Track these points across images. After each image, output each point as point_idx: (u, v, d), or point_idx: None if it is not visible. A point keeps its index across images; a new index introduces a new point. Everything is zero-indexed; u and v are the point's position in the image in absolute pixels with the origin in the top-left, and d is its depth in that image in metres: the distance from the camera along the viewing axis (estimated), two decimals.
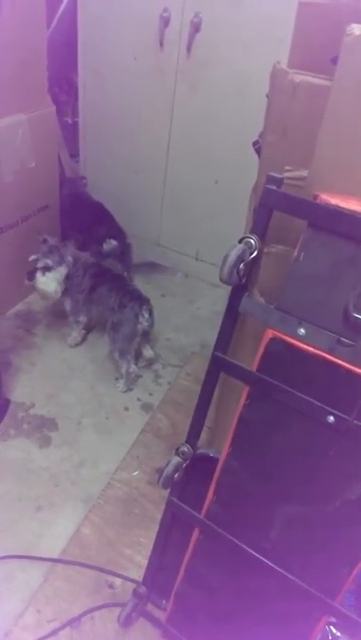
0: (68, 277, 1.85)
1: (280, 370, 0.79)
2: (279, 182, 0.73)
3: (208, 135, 2.09)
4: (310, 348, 0.74)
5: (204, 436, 1.53)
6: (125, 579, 1.28)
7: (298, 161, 0.93)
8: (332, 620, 0.97)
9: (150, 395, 1.84)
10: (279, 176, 0.73)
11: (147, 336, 1.89)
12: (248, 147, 1.27)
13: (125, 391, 1.83)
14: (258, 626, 0.99)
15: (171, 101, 2.10)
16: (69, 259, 1.83)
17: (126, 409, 1.77)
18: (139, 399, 1.82)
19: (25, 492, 1.46)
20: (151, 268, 2.53)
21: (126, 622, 1.17)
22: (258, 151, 1.12)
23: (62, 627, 1.18)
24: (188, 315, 2.26)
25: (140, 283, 2.36)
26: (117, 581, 1.28)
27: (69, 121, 2.59)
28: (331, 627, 1.02)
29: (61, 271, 1.82)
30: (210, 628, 1.06)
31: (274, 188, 0.73)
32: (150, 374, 1.93)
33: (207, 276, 2.41)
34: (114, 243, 2.15)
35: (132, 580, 1.26)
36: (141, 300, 1.80)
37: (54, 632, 1.17)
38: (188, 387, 1.86)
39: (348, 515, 0.79)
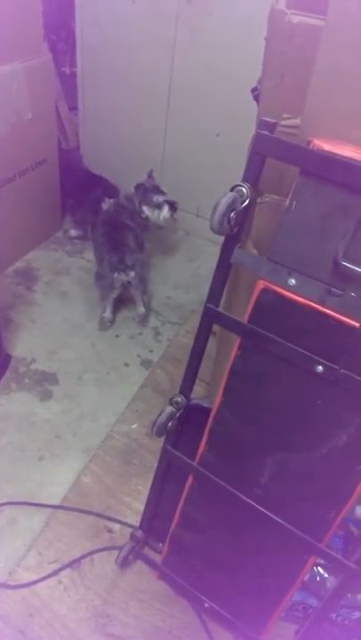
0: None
1: (271, 320, 0.79)
2: (272, 127, 0.71)
3: (210, 84, 2.02)
4: (300, 299, 0.74)
5: (202, 391, 1.56)
6: (123, 524, 1.33)
7: (296, 108, 0.89)
8: (320, 561, 1.01)
9: (150, 351, 1.86)
10: (272, 121, 0.70)
11: (135, 289, 1.89)
12: (250, 97, 1.22)
13: (99, 330, 1.90)
14: (248, 566, 1.03)
15: (171, 48, 2.02)
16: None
17: (126, 365, 1.80)
18: (139, 355, 1.84)
19: (27, 444, 1.50)
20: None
21: (124, 563, 1.23)
22: (256, 99, 1.08)
23: (63, 567, 1.24)
24: (188, 272, 2.25)
25: None
26: (116, 526, 1.33)
27: (67, 71, 2.50)
28: (319, 568, 1.07)
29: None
30: (203, 569, 1.11)
31: (266, 133, 0.71)
32: (150, 331, 1.94)
33: (208, 234, 2.32)
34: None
35: (130, 525, 1.32)
36: (121, 255, 1.82)
37: (55, 572, 1.23)
38: (187, 344, 1.87)
39: (335, 461, 0.81)
